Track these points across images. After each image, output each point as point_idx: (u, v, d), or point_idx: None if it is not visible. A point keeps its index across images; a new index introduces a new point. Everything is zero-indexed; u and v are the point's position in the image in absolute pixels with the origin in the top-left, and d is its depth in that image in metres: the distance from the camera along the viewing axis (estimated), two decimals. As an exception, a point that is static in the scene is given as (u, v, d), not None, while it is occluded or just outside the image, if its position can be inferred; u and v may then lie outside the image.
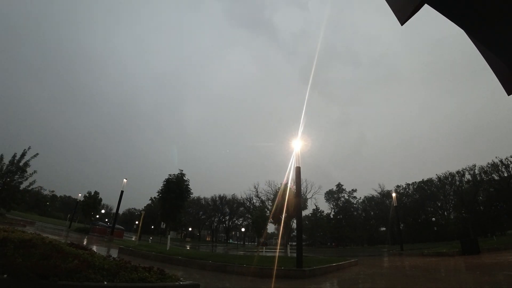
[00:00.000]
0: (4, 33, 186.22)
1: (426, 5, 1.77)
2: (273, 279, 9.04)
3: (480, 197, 50.36)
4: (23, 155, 21.63)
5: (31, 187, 22.81)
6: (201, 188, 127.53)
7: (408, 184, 63.96)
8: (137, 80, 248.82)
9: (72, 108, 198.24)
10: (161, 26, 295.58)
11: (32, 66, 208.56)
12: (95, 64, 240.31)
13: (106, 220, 64.06)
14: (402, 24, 2.00)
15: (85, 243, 18.15)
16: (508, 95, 2.35)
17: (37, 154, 22.12)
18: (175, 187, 24.16)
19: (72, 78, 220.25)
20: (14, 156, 21.57)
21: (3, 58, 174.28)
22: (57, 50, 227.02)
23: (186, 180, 25.09)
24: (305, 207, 55.68)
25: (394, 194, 33.85)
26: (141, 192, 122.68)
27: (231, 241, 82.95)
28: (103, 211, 62.28)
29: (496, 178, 48.14)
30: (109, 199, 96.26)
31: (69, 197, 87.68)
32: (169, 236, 22.44)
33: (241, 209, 74.98)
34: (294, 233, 31.44)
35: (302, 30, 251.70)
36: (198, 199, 76.60)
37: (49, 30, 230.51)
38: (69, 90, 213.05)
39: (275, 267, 9.81)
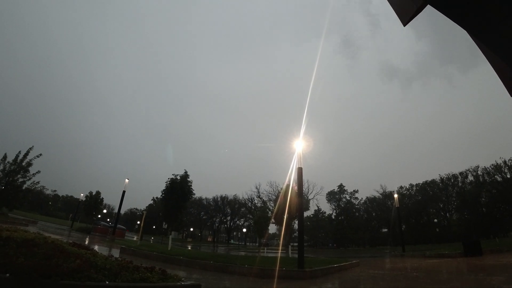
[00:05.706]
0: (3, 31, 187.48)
1: (428, 6, 1.77)
2: (275, 280, 9.03)
3: (483, 199, 50.03)
4: (26, 154, 21.78)
5: (33, 187, 22.96)
6: (203, 188, 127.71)
7: (411, 185, 63.63)
8: (137, 82, 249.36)
9: (73, 108, 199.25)
10: (166, 28, 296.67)
11: (32, 65, 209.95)
12: (96, 65, 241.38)
13: (108, 220, 64.27)
14: (404, 25, 2.00)
15: (87, 242, 18.21)
16: (511, 95, 2.34)
17: (40, 154, 22.33)
18: (179, 187, 24.28)
19: (71, 79, 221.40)
20: (18, 155, 21.69)
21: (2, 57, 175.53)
22: (60, 49, 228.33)
23: (189, 181, 25.22)
24: (307, 208, 55.56)
25: (396, 195, 33.67)
26: (142, 192, 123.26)
27: (232, 241, 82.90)
28: (104, 211, 62.48)
29: (499, 179, 47.86)
30: (110, 199, 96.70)
31: (71, 197, 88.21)
32: (170, 236, 22.46)
33: (242, 209, 74.82)
34: (296, 234, 31.31)
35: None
36: (200, 199, 76.59)
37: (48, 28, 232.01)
38: (70, 90, 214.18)
39: (277, 268, 9.81)
